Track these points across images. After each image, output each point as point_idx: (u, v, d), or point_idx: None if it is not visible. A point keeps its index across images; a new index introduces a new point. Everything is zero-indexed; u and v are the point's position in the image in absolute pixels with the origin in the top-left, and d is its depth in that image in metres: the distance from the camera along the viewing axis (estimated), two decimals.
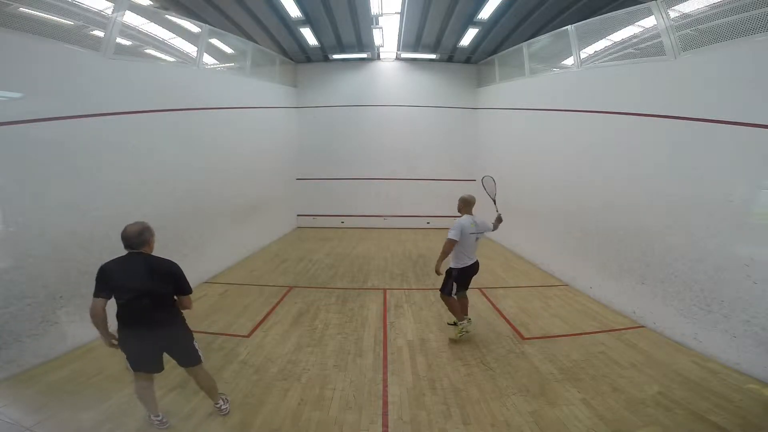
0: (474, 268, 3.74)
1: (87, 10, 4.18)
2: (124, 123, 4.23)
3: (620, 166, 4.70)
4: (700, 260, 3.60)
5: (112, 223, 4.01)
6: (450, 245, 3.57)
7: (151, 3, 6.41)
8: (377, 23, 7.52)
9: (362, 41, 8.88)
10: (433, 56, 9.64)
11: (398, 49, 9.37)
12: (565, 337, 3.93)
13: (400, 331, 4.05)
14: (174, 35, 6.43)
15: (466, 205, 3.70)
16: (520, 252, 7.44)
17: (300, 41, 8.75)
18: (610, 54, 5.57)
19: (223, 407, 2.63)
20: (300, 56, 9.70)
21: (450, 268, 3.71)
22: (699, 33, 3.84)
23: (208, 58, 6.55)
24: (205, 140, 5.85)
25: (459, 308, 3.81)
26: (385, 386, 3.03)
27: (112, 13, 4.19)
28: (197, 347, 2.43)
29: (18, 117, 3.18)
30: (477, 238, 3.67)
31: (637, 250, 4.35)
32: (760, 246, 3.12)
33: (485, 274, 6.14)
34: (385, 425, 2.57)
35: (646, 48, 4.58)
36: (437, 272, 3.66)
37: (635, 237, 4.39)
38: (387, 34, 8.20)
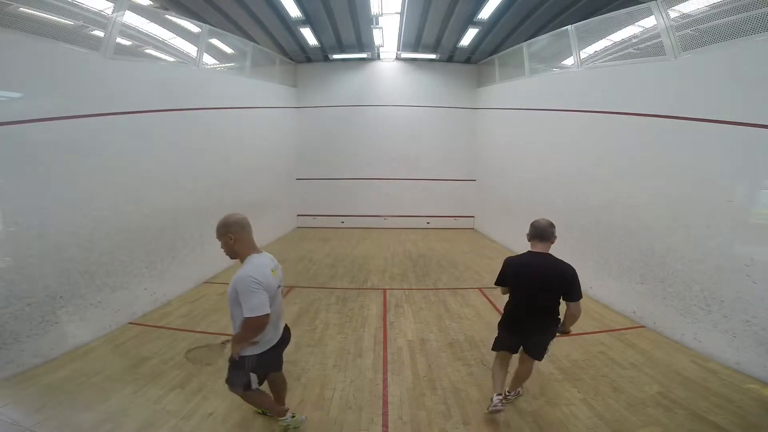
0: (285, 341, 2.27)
1: (87, 10, 4.19)
2: (124, 123, 4.23)
3: (620, 166, 4.70)
4: (700, 260, 3.60)
5: (112, 223, 4.07)
6: (263, 321, 1.93)
7: (151, 3, 6.42)
8: (377, 23, 7.53)
9: (362, 41, 8.89)
10: (433, 56, 9.64)
11: (398, 49, 9.37)
12: (565, 337, 3.92)
13: (400, 331, 4.05)
14: (174, 35, 6.45)
15: (243, 231, 2.18)
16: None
17: (300, 41, 8.76)
18: (610, 54, 5.58)
19: None
20: (300, 56, 9.70)
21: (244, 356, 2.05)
22: (699, 33, 3.84)
23: (208, 58, 6.56)
24: (205, 140, 5.84)
25: (270, 400, 2.42)
26: (385, 386, 3.03)
27: (112, 13, 4.19)
28: None
29: (18, 117, 3.18)
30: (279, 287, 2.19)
31: (637, 250, 4.34)
32: (760, 246, 3.13)
33: (485, 274, 6.17)
34: (385, 425, 2.57)
35: (646, 48, 4.58)
36: (234, 358, 2.07)
37: (635, 237, 4.39)
38: (387, 34, 8.20)
